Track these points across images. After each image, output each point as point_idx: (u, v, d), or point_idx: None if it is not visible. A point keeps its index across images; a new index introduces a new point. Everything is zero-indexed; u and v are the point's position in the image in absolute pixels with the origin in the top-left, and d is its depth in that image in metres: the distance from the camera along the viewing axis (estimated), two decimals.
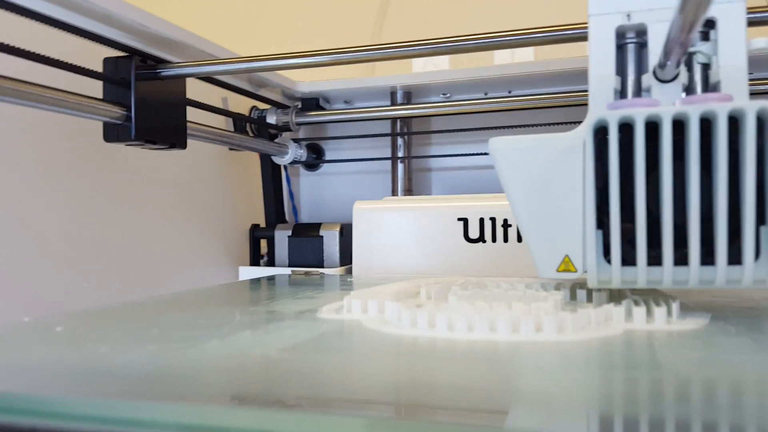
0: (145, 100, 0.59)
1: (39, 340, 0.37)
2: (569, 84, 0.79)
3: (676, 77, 0.44)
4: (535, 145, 0.42)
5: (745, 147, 0.37)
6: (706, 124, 0.38)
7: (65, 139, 0.61)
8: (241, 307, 0.47)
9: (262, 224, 0.91)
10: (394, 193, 0.88)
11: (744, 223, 0.37)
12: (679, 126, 0.39)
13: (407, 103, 0.85)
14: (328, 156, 0.96)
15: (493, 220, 0.70)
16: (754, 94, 0.64)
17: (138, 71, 0.58)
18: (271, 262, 0.87)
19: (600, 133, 0.40)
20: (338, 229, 0.84)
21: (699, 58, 0.45)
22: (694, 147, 0.37)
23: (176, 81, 0.63)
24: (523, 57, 0.83)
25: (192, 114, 0.66)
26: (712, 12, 0.43)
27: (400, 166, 0.87)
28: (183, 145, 0.63)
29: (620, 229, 0.39)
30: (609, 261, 0.40)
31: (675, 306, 0.39)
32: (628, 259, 0.39)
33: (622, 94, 0.47)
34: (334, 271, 0.79)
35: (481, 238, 0.71)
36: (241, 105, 0.83)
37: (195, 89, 0.67)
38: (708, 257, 0.38)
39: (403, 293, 0.48)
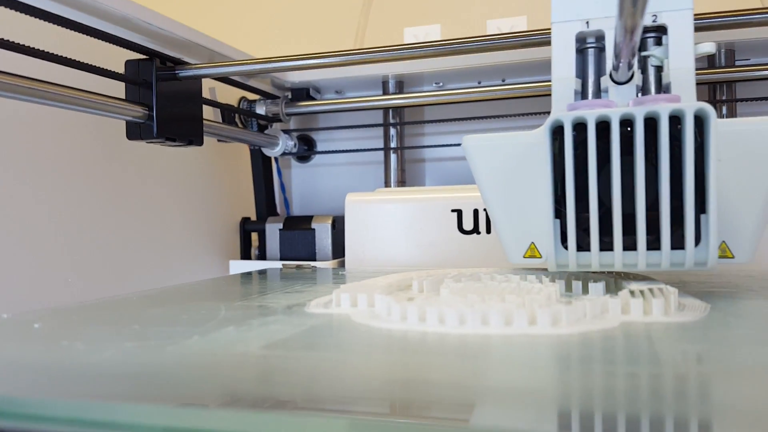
0: (165, 99, 0.62)
1: (13, 337, 0.35)
2: None
3: (630, 79, 0.48)
4: (503, 143, 0.46)
5: (685, 143, 0.40)
6: (654, 123, 0.41)
7: (50, 134, 0.60)
8: (227, 302, 0.45)
9: (253, 217, 0.89)
10: (387, 184, 0.86)
11: (685, 212, 0.41)
12: (629, 124, 0.42)
13: (399, 93, 0.84)
14: (319, 147, 0.94)
15: (487, 211, 0.69)
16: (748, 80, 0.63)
17: (159, 72, 0.61)
18: (262, 256, 0.86)
19: (559, 131, 0.43)
20: (330, 221, 0.82)
21: (653, 61, 0.49)
22: (640, 144, 0.41)
23: (192, 81, 0.66)
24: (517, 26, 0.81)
25: None
26: (663, 19, 0.48)
27: (393, 157, 0.86)
28: (200, 142, 0.67)
29: (576, 219, 0.42)
30: (567, 247, 0.43)
31: (673, 297, 0.38)
32: (583, 245, 0.43)
33: (583, 94, 0.50)
34: (326, 264, 0.77)
35: (476, 230, 0.70)
36: (230, 95, 0.81)
37: None
38: (655, 243, 0.41)
39: (394, 286, 0.47)
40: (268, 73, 0.76)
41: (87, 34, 0.56)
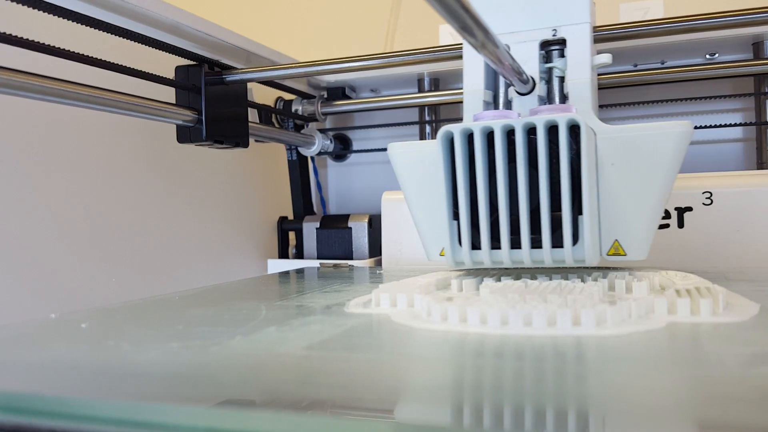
0: (212, 103, 0.64)
1: (61, 337, 0.36)
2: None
3: (532, 90, 0.51)
4: (419, 150, 0.51)
5: (560, 151, 0.43)
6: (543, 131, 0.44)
7: (97, 139, 0.61)
8: (268, 301, 0.46)
9: (290, 216, 0.90)
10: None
11: (563, 214, 0.44)
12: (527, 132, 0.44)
13: (435, 90, 0.83)
14: (355, 146, 0.94)
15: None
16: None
17: (207, 78, 0.64)
18: (299, 255, 0.86)
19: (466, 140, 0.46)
20: (367, 220, 0.82)
21: (556, 72, 0.52)
22: (520, 152, 0.44)
23: (239, 85, 0.68)
24: None
25: None
26: (562, 33, 0.51)
27: None
28: (246, 144, 0.69)
29: (470, 220, 0.46)
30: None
31: (722, 296, 0.37)
32: (477, 244, 0.46)
33: (496, 105, 0.54)
34: (363, 263, 0.78)
35: None
36: (266, 96, 0.82)
37: None
38: (538, 242, 0.45)
39: (432, 286, 0.46)
40: (310, 76, 0.79)
41: (139, 42, 0.58)
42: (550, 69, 0.52)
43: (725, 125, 0.72)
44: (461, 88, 0.82)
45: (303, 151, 0.87)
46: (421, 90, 0.84)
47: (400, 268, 0.72)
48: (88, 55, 0.52)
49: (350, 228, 0.83)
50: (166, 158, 0.70)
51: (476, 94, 0.53)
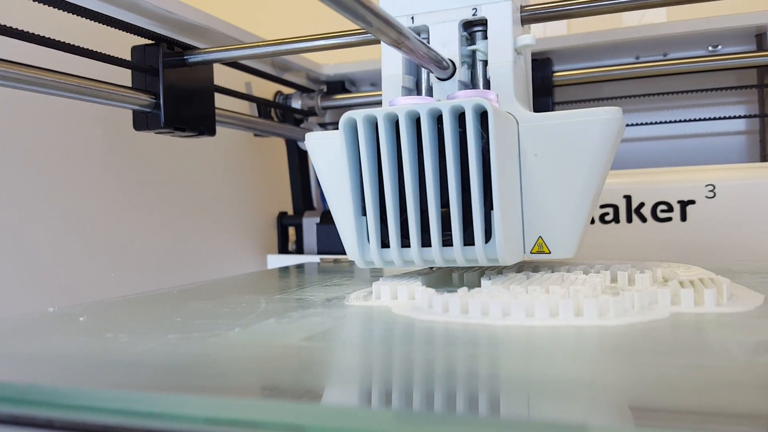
0: (173, 87, 0.58)
1: (60, 330, 0.36)
2: (602, 60, 0.76)
3: (452, 76, 0.47)
4: (334, 140, 0.46)
5: (469, 139, 0.39)
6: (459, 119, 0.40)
7: (90, 128, 0.61)
8: (267, 295, 0.45)
9: (290, 212, 0.89)
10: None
11: (473, 210, 0.39)
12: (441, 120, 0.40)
13: None
14: None
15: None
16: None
17: (166, 58, 0.58)
18: (299, 250, 0.86)
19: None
20: None
21: (479, 56, 0.47)
22: (426, 141, 0.39)
23: (204, 67, 0.62)
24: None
25: (215, 100, 0.65)
26: (483, 12, 0.46)
27: None
28: (212, 132, 0.63)
29: (377, 216, 0.42)
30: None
31: (726, 287, 0.36)
32: (387, 242, 0.42)
33: (418, 90, 0.49)
34: None
35: None
36: (266, 90, 0.81)
37: (218, 75, 0.66)
38: (450, 239, 0.40)
39: (433, 278, 0.46)
40: (279, 56, 0.72)
41: (92, 19, 0.53)
42: (473, 52, 0.48)
43: (728, 117, 0.72)
44: None
45: (302, 145, 0.87)
46: None
47: None
48: (35, 34, 0.48)
49: None
50: (165, 152, 0.70)
51: (394, 79, 0.48)
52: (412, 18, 0.48)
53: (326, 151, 0.46)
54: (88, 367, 0.28)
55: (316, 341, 0.30)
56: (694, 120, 0.74)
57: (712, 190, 0.62)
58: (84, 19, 0.52)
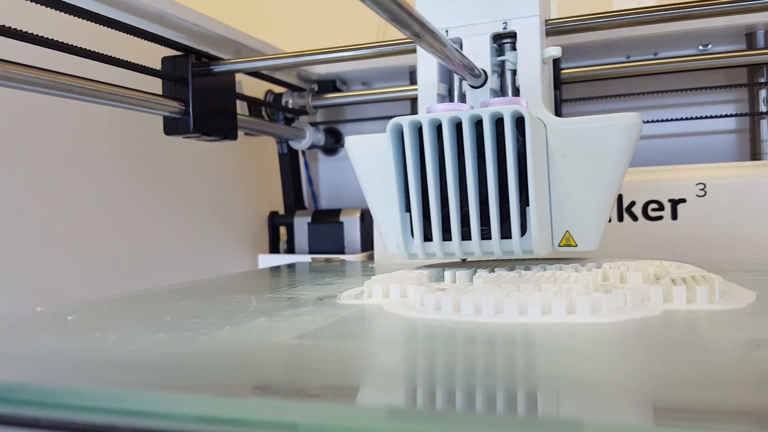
0: (200, 95, 0.63)
1: (47, 329, 0.35)
2: (589, 59, 0.76)
3: (484, 84, 0.51)
4: (374, 143, 0.51)
5: (507, 142, 0.43)
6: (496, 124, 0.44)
7: (79, 130, 0.60)
8: (258, 294, 0.45)
9: (281, 211, 0.89)
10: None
11: (510, 205, 0.44)
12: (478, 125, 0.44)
13: None
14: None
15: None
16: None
17: (194, 68, 0.62)
18: (290, 250, 0.85)
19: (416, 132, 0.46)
20: (359, 214, 0.82)
21: (508, 66, 0.52)
22: (468, 144, 0.44)
23: (227, 76, 0.66)
24: None
25: None
26: (513, 26, 0.51)
27: None
28: (234, 136, 0.67)
29: (420, 213, 0.46)
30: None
31: (718, 285, 0.36)
32: (429, 235, 0.47)
33: (451, 98, 0.54)
34: (355, 258, 0.77)
35: None
36: (256, 88, 0.81)
37: None
38: (488, 233, 0.45)
39: (426, 277, 0.46)
40: (299, 67, 0.77)
41: (125, 32, 0.56)
42: (503, 62, 0.52)
43: (719, 116, 0.72)
44: None
45: (294, 144, 0.86)
46: (412, 82, 0.83)
47: (393, 261, 0.71)
48: (73, 45, 0.51)
49: (342, 222, 0.82)
50: (154, 152, 0.69)
51: (430, 87, 0.53)
52: (447, 31, 0.53)
53: (367, 152, 0.51)
54: (76, 366, 0.27)
55: (307, 339, 0.30)
56: (685, 119, 0.74)
57: (702, 189, 0.62)
58: (117, 31, 0.56)
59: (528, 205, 0.45)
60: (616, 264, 0.48)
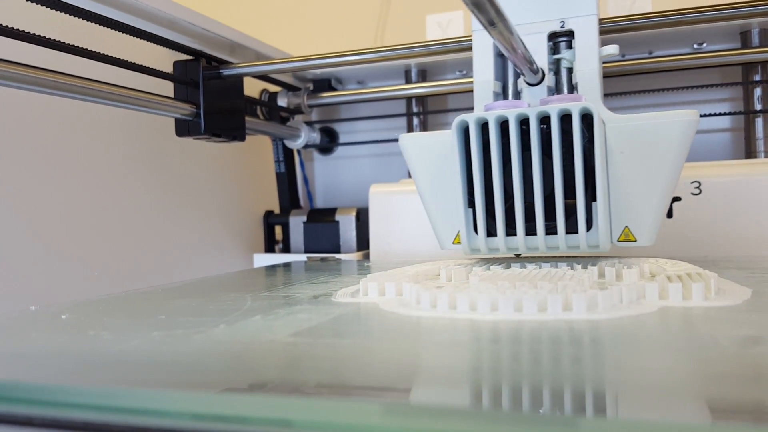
0: (210, 97, 0.65)
1: (41, 328, 0.35)
2: None
3: (541, 81, 0.52)
4: (431, 141, 0.51)
5: (574, 139, 0.44)
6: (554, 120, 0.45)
7: (73, 129, 0.60)
8: (253, 292, 0.45)
9: (276, 210, 0.89)
10: (411, 175, 0.85)
11: (577, 200, 0.45)
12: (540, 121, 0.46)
13: (422, 81, 0.82)
14: (342, 139, 0.94)
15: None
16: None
17: (205, 72, 0.64)
18: (286, 249, 0.85)
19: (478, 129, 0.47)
20: (354, 213, 0.82)
21: (564, 64, 0.53)
22: (535, 140, 0.45)
23: (235, 79, 0.68)
24: None
25: None
26: (570, 24, 0.52)
27: None
28: (242, 137, 0.69)
29: (485, 208, 0.47)
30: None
31: (713, 282, 0.36)
32: (492, 231, 0.48)
33: (505, 95, 0.55)
34: (351, 257, 0.77)
35: None
36: (251, 88, 0.80)
37: None
38: (553, 228, 0.46)
39: (421, 275, 0.46)
40: (306, 71, 0.79)
41: (139, 37, 0.58)
42: (558, 60, 0.53)
43: (713, 114, 0.72)
44: (449, 79, 0.82)
45: (289, 143, 0.86)
46: (408, 81, 0.83)
47: (389, 260, 0.71)
48: (85, 48, 0.52)
49: (337, 222, 0.82)
50: (148, 152, 0.69)
51: (486, 84, 0.54)
52: None
53: (421, 150, 0.52)
54: (70, 364, 0.27)
55: (302, 337, 0.30)
56: None
57: (698, 187, 0.62)
58: (133, 37, 0.58)
59: (593, 200, 0.46)
60: (611, 261, 0.48)
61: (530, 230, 0.47)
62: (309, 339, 0.29)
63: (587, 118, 0.45)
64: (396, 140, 0.89)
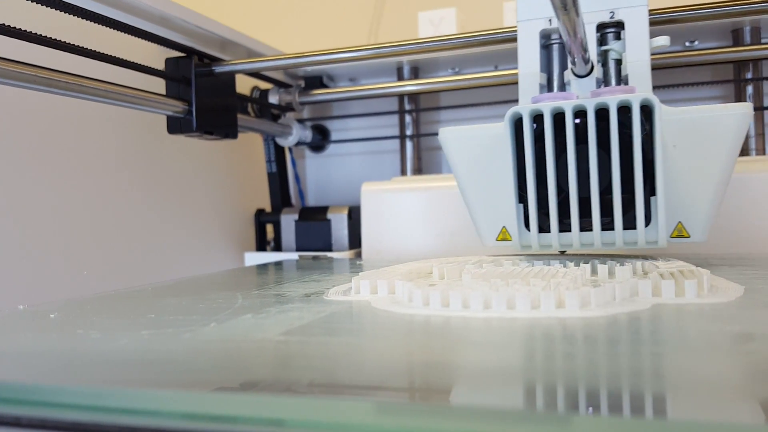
0: (202, 94, 0.64)
1: (29, 327, 0.35)
2: None
3: (590, 72, 0.51)
4: (474, 134, 0.49)
5: (633, 131, 0.44)
6: (608, 113, 0.44)
7: (62, 126, 0.59)
8: (244, 291, 0.44)
9: (268, 209, 0.88)
10: (403, 172, 0.85)
11: (635, 195, 0.44)
12: (585, 114, 0.45)
13: (415, 79, 0.82)
14: (334, 137, 0.93)
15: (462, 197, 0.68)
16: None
17: (197, 69, 0.64)
18: (277, 247, 0.85)
19: (521, 122, 0.46)
20: (346, 212, 0.81)
21: (612, 55, 0.52)
22: (592, 132, 0.44)
23: (227, 76, 0.69)
24: None
25: None
26: (620, 15, 0.51)
27: (409, 145, 0.85)
28: (235, 135, 0.69)
29: (537, 203, 0.46)
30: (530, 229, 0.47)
31: (706, 278, 0.36)
32: (545, 227, 0.47)
33: (549, 88, 0.54)
34: (343, 255, 0.77)
35: None
36: (242, 84, 0.80)
37: None
38: (609, 224, 0.45)
39: (414, 273, 0.46)
40: (298, 68, 0.78)
41: (130, 33, 0.57)
42: (605, 52, 0.52)
43: None
44: (442, 77, 0.81)
45: (280, 141, 0.86)
46: (400, 78, 0.83)
47: (381, 258, 0.71)
48: (76, 45, 0.51)
49: (329, 220, 0.82)
50: (139, 150, 0.68)
51: (532, 76, 0.53)
52: (550, 20, 0.53)
53: (464, 143, 0.50)
54: (58, 363, 0.27)
55: (294, 336, 0.29)
56: None
57: None
58: (120, 32, 0.57)
59: (654, 194, 0.45)
60: (603, 258, 0.48)
61: (584, 226, 0.46)
62: (301, 337, 0.29)
63: (644, 110, 0.44)
64: (388, 138, 0.89)
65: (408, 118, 0.84)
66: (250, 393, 0.22)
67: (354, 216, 0.81)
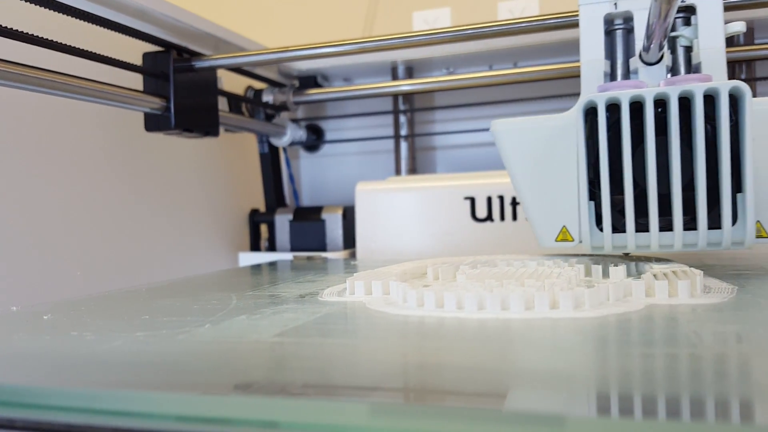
0: (181, 91, 0.62)
1: (23, 329, 0.35)
2: (576, 54, 0.76)
3: (660, 60, 0.48)
4: (533, 126, 0.46)
5: (720, 122, 0.41)
6: (687, 102, 0.42)
7: (55, 124, 0.59)
8: (239, 292, 0.44)
9: (262, 209, 0.88)
10: (397, 172, 0.85)
11: (722, 192, 0.41)
12: (663, 104, 0.42)
13: (409, 79, 0.82)
14: (328, 136, 0.93)
15: (501, 198, 0.68)
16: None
17: (176, 64, 0.62)
18: (272, 248, 0.85)
19: (590, 113, 0.44)
20: (341, 212, 0.81)
21: (682, 42, 0.49)
22: (674, 123, 0.41)
23: (208, 72, 0.66)
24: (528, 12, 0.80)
25: None
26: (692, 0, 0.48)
27: (404, 145, 0.85)
28: (216, 133, 0.67)
29: (610, 200, 0.43)
30: (602, 229, 0.44)
31: (699, 279, 0.36)
32: (618, 226, 0.44)
33: (612, 76, 0.51)
34: (337, 255, 0.77)
35: (489, 217, 0.69)
36: (236, 84, 0.80)
37: None
38: (690, 223, 0.42)
39: (408, 274, 0.46)
40: (281, 63, 0.76)
41: (105, 27, 0.56)
42: (674, 38, 0.49)
43: None
44: (436, 76, 0.81)
45: (274, 141, 0.86)
46: (395, 78, 0.83)
47: (376, 259, 0.71)
48: (53, 40, 0.50)
49: (324, 220, 0.82)
50: (133, 149, 0.68)
51: (596, 63, 0.50)
52: (615, 4, 0.50)
53: (520, 137, 0.47)
54: (52, 365, 0.27)
55: (288, 337, 0.29)
56: None
57: None
58: (97, 26, 0.55)
59: (740, 191, 0.42)
60: (597, 259, 0.48)
61: (663, 225, 0.43)
62: (295, 339, 0.29)
63: (730, 100, 0.41)
64: (382, 138, 0.89)
65: (402, 118, 0.84)
66: (245, 395, 0.22)
67: (348, 216, 0.81)
